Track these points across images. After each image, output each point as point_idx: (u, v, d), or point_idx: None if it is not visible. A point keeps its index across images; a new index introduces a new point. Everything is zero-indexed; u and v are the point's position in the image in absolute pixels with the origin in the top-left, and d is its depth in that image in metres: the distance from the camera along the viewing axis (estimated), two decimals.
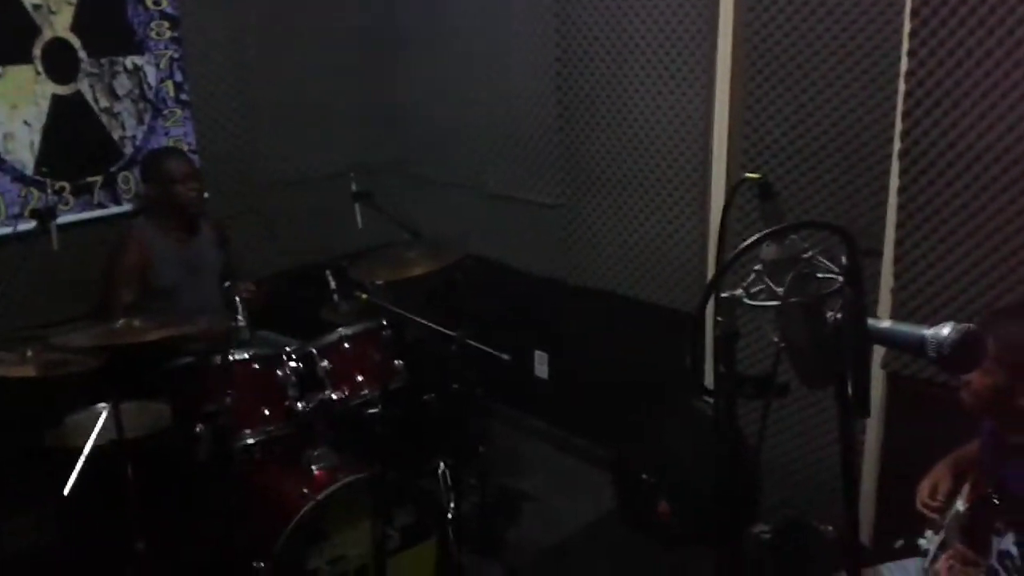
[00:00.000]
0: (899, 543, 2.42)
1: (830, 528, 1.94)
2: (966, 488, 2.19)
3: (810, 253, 1.07)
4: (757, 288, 1.10)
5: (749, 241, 1.05)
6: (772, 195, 1.10)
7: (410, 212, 3.64)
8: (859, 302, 1.03)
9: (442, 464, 3.22)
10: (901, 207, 2.69)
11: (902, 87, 2.61)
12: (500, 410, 4.30)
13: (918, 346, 1.06)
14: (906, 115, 2.60)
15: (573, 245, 3.81)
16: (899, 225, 2.70)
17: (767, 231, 1.05)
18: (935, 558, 2.19)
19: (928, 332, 1.05)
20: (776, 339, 1.12)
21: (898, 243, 2.72)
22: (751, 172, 3.05)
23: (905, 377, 2.81)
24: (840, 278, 1.05)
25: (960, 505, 2.13)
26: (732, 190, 1.22)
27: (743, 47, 3.04)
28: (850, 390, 1.06)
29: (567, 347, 4.06)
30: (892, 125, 2.68)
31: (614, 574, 3.30)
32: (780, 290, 1.07)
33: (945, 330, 1.04)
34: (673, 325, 3.45)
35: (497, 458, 3.84)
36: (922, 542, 2.33)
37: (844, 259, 1.04)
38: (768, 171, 3.09)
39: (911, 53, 2.57)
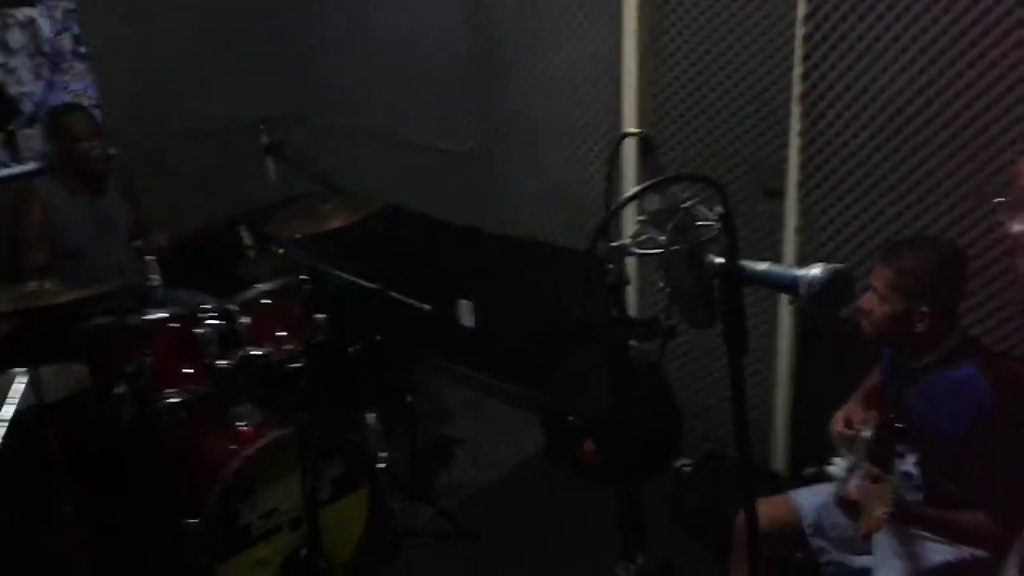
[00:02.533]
0: (809, 471, 2.56)
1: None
2: (871, 414, 2.32)
3: (689, 203, 1.13)
4: (643, 237, 1.16)
5: (630, 194, 1.11)
6: (652, 149, 1.15)
7: (324, 163, 3.61)
8: (733, 247, 1.09)
9: (370, 415, 3.27)
10: (802, 149, 2.78)
11: (800, 31, 2.68)
12: (428, 359, 4.35)
13: (791, 286, 1.13)
14: (805, 59, 2.68)
15: (490, 193, 3.83)
16: (801, 167, 2.80)
17: (646, 183, 1.11)
18: (845, 481, 2.32)
19: (799, 272, 1.12)
20: (662, 284, 1.18)
21: (800, 184, 2.82)
22: (659, 116, 3.16)
23: (811, 311, 2.94)
24: (717, 225, 1.11)
25: (866, 432, 2.25)
26: (616, 144, 1.27)
27: None
28: (729, 328, 1.13)
29: (492, 295, 4.11)
30: (791, 69, 2.76)
31: (543, 512, 3.40)
32: (663, 238, 1.13)
33: (815, 270, 1.11)
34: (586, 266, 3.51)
35: (426, 406, 3.90)
36: (832, 468, 2.46)
37: (720, 208, 1.10)
38: (676, 115, 3.16)
39: None
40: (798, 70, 2.70)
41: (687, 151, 3.17)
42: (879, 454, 2.19)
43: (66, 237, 3.21)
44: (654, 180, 1.09)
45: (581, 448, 3.53)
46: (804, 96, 2.71)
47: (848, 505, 2.02)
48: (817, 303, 1.12)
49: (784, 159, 2.88)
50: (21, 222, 3.16)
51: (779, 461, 3.22)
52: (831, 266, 1.12)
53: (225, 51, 4.05)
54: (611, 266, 1.17)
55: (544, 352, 3.80)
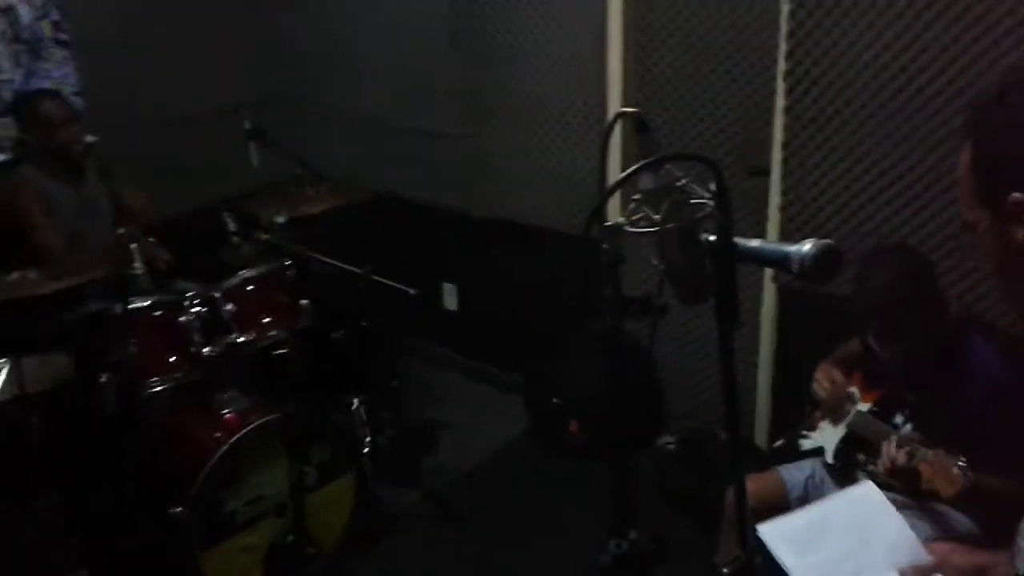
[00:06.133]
0: (779, 443, 2.59)
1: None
2: (855, 387, 2.34)
3: (683, 181, 1.13)
4: (637, 216, 1.16)
5: (625, 173, 1.10)
6: (647, 127, 1.14)
7: (307, 148, 3.58)
8: (727, 224, 1.09)
9: (355, 400, 3.26)
10: (787, 127, 2.78)
11: (785, 7, 2.67)
12: (412, 343, 4.34)
13: (783, 262, 1.13)
14: (790, 35, 2.68)
15: (475, 176, 3.81)
16: (785, 144, 2.80)
17: (642, 162, 1.10)
18: (838, 453, 2.34)
19: (791, 249, 1.12)
20: (656, 262, 1.18)
21: (784, 161, 2.82)
22: (645, 95, 3.15)
23: (793, 290, 2.96)
24: (710, 203, 1.11)
25: (862, 406, 2.28)
26: (610, 124, 1.26)
27: None
28: (722, 304, 1.13)
29: (475, 278, 4.10)
30: (777, 46, 2.76)
31: (529, 492, 3.42)
32: (657, 217, 1.13)
33: (806, 246, 1.12)
34: (577, 251, 3.52)
35: (411, 390, 3.89)
36: (807, 443, 2.48)
37: (713, 185, 1.10)
38: (663, 95, 3.16)
39: None
40: (783, 46, 2.70)
41: (674, 130, 3.16)
42: (875, 427, 2.21)
43: (58, 223, 3.17)
44: (651, 159, 1.09)
45: (566, 428, 3.54)
46: (789, 73, 2.71)
47: (902, 473, 2.00)
48: (808, 278, 1.12)
49: (769, 137, 2.88)
50: (24, 206, 3.12)
51: (762, 436, 3.24)
52: (821, 242, 1.12)
53: (207, 36, 4.00)
54: (606, 246, 1.17)
55: (527, 334, 3.80)
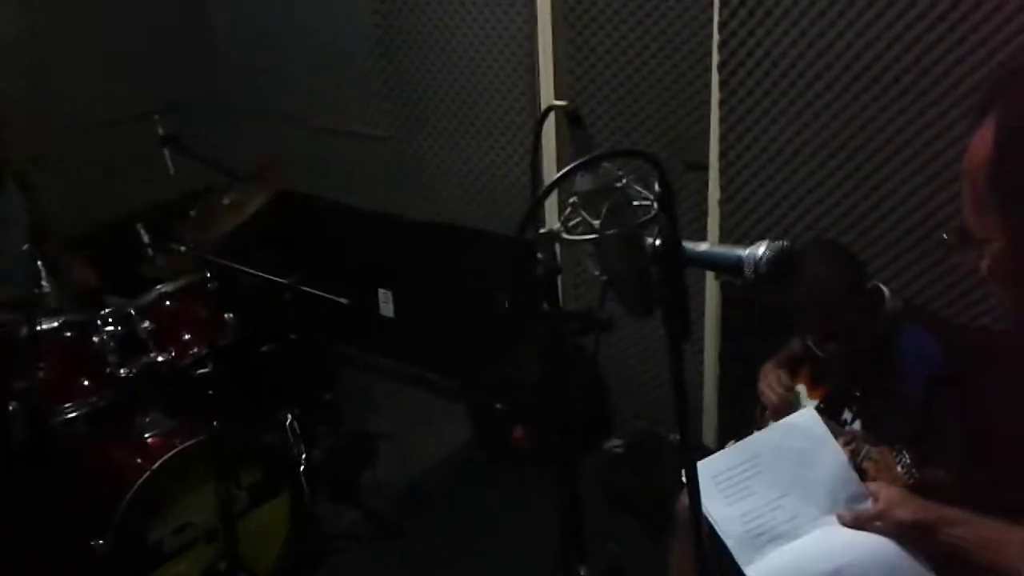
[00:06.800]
0: (731, 443, 2.53)
1: (678, 437, 1.96)
2: (802, 385, 2.28)
3: (624, 181, 1.02)
4: (575, 221, 1.05)
5: (558, 175, 0.99)
6: (581, 123, 1.04)
7: (227, 152, 3.40)
8: (674, 228, 0.99)
9: (289, 415, 3.12)
10: (723, 120, 2.72)
11: None
12: (348, 353, 4.20)
13: (735, 267, 1.04)
14: (723, 26, 2.61)
15: (406, 178, 3.69)
16: (722, 137, 2.73)
17: (577, 162, 0.99)
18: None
19: (744, 252, 1.03)
20: (597, 272, 1.07)
21: (722, 155, 2.76)
22: (577, 91, 3.06)
23: (737, 288, 2.89)
24: (654, 204, 1.01)
25: (808, 403, 2.22)
26: (540, 119, 1.15)
27: None
28: (671, 316, 1.03)
29: (411, 283, 3.98)
30: (710, 36, 2.69)
31: (473, 504, 3.31)
32: (596, 222, 1.02)
33: (760, 249, 1.02)
34: (513, 252, 3.41)
35: (348, 402, 3.75)
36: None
37: (656, 185, 1.00)
38: (595, 88, 3.07)
39: None
40: (716, 37, 2.63)
41: (607, 125, 3.08)
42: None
43: None
44: (586, 157, 0.98)
45: (511, 434, 3.45)
46: (723, 65, 2.64)
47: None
48: (763, 284, 1.03)
49: (705, 130, 2.81)
50: None
51: (711, 436, 3.18)
52: (777, 243, 1.03)
53: (120, 35, 3.79)
54: (540, 255, 1.06)
55: (467, 339, 3.69)
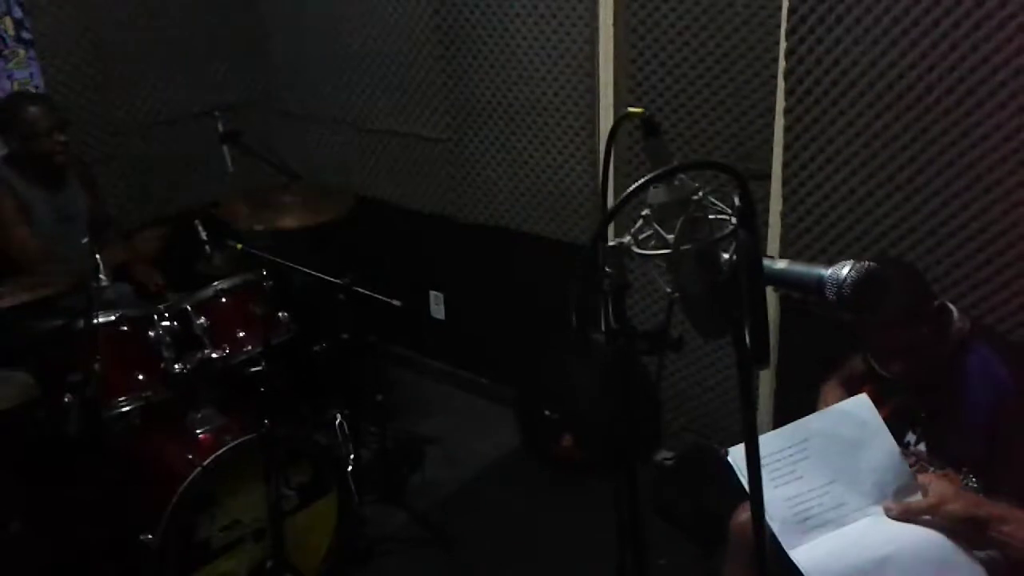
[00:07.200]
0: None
1: (729, 450, 1.91)
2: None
3: (700, 194, 0.98)
4: (646, 235, 1.01)
5: (634, 186, 0.95)
6: (657, 131, 1.00)
7: (285, 152, 3.42)
8: (754, 246, 0.94)
9: (338, 415, 3.11)
10: (788, 128, 2.65)
11: (785, 3, 2.54)
12: (398, 354, 4.19)
13: (816, 287, 0.99)
14: (790, 33, 2.55)
15: (461, 181, 3.67)
16: (786, 147, 2.67)
17: (653, 174, 0.95)
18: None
19: (827, 272, 0.98)
20: (668, 289, 1.03)
21: (786, 165, 2.69)
22: (638, 96, 3.02)
23: (797, 299, 2.82)
24: (733, 219, 0.96)
25: None
26: (614, 127, 1.11)
27: None
28: (748, 339, 0.98)
29: (462, 286, 3.96)
30: (777, 43, 2.63)
31: (520, 511, 3.27)
32: (670, 237, 0.98)
33: (844, 269, 0.97)
34: (568, 258, 3.38)
35: (397, 404, 3.75)
36: None
37: (736, 200, 0.95)
38: (656, 95, 3.02)
39: None
40: (784, 44, 2.57)
41: (666, 132, 3.02)
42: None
43: (33, 226, 3.01)
44: (666, 168, 0.94)
45: (559, 443, 3.41)
46: (790, 72, 2.58)
47: None
48: (845, 307, 0.97)
49: (768, 139, 2.75)
50: (1, 213, 2.96)
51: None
52: (862, 264, 0.98)
53: (180, 35, 3.84)
54: (609, 269, 1.02)
55: (519, 344, 3.66)
